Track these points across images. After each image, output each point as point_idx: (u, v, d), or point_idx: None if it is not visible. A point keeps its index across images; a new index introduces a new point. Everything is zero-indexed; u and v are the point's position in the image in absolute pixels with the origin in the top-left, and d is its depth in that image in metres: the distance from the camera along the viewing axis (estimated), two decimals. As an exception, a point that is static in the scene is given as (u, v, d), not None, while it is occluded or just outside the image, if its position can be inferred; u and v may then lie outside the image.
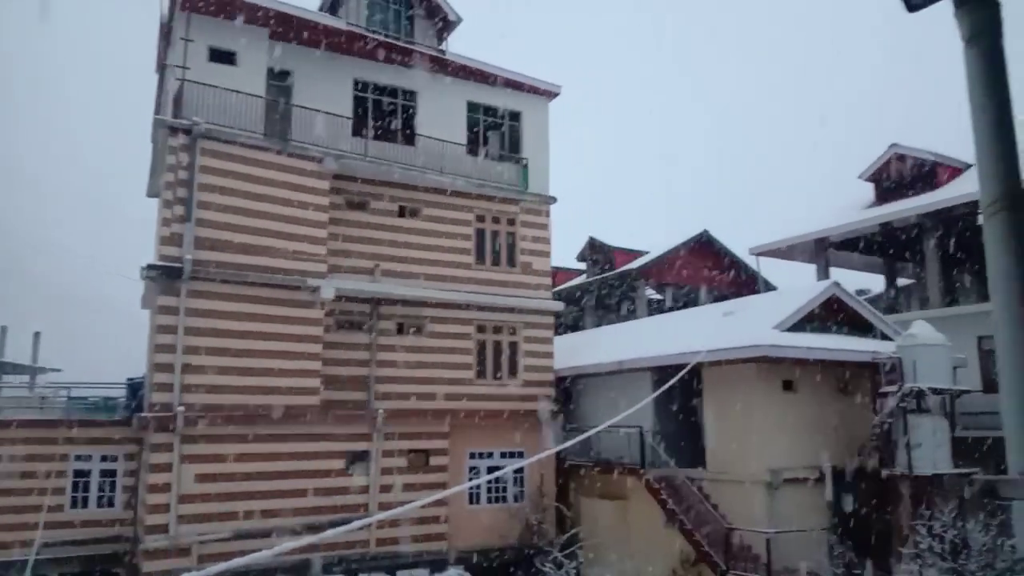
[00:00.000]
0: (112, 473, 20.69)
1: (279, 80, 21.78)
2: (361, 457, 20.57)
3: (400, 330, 21.99)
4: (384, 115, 23.55)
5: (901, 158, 29.05)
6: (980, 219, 3.23)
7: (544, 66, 27.80)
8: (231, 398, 18.73)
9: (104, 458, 20.67)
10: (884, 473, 18.78)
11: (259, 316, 19.29)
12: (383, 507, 19.90)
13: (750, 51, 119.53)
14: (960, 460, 18.75)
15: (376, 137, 22.91)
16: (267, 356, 19.23)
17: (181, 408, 18.03)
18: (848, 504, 19.02)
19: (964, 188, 24.68)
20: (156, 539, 17.63)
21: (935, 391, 18.34)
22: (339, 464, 20.21)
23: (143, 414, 18.61)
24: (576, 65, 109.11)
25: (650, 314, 35.75)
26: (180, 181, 18.96)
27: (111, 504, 20.56)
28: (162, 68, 22.72)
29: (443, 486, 20.63)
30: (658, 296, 41.16)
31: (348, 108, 22.47)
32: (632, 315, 36.92)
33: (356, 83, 22.87)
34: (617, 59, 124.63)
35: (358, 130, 22.63)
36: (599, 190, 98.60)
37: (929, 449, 17.96)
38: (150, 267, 18.53)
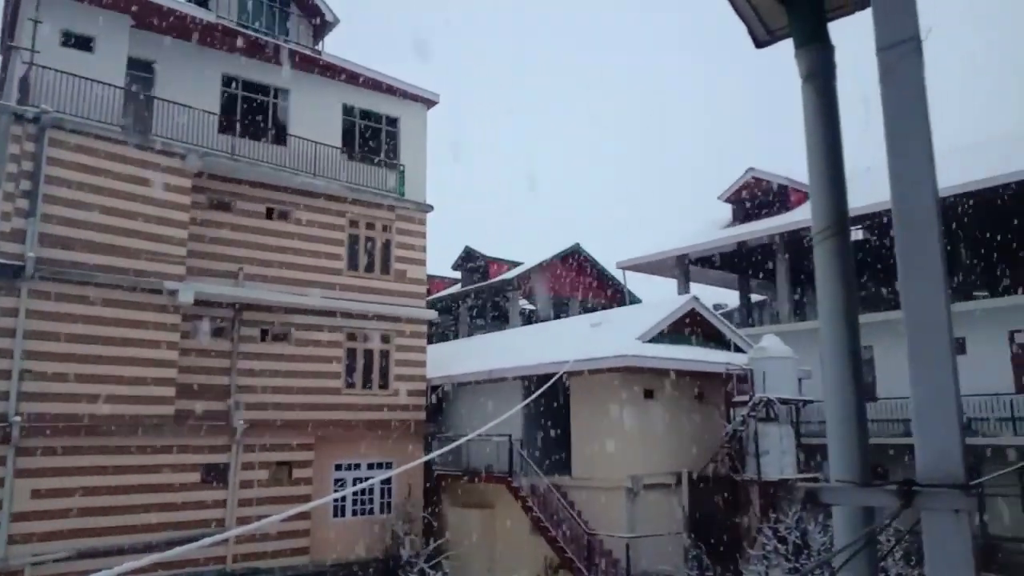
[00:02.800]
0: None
1: (141, 71, 20.57)
2: (219, 470, 19.67)
3: (264, 337, 21.21)
4: (254, 113, 22.74)
5: (757, 181, 31.01)
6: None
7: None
8: (76, 407, 17.42)
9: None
10: (735, 478, 19.89)
11: (110, 320, 18.08)
12: (242, 521, 19.08)
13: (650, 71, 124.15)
14: (805, 466, 20.12)
15: (245, 135, 22.08)
16: (118, 363, 18.04)
17: (18, 418, 16.59)
18: (702, 508, 19.98)
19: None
20: (-17, 562, 16.12)
21: (783, 401, 19.62)
22: (194, 477, 19.22)
23: (-28, 425, 17.00)
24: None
25: (523, 324, 36.31)
26: (24, 173, 17.52)
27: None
28: (7, 49, 20.95)
29: (307, 499, 20.04)
30: (531, 306, 41.87)
31: (215, 104, 21.53)
32: (505, 325, 37.37)
33: (225, 78, 21.96)
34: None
35: (226, 127, 21.73)
36: (480, 202, 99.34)
37: (776, 456, 19.18)
38: (-15, 264, 16.99)
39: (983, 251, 26.31)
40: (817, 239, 3.29)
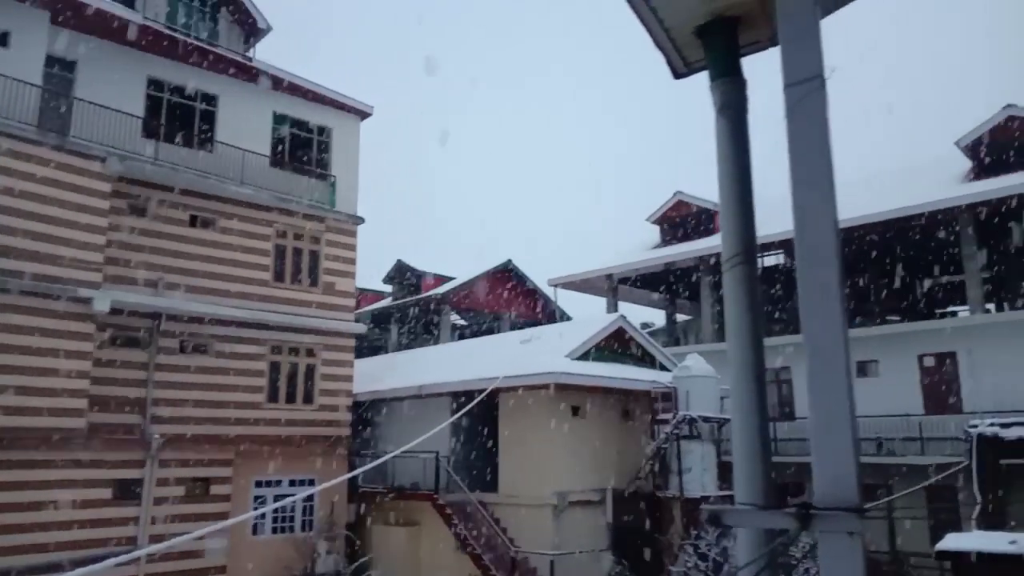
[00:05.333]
0: None
1: (61, 70, 19.80)
2: (132, 486, 18.89)
3: (184, 348, 20.53)
4: (181, 118, 22.10)
5: (683, 204, 31.80)
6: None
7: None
8: (-23, 419, 16.51)
9: None
10: (659, 495, 20.19)
11: (18, 328, 17.20)
12: (155, 540, 18.33)
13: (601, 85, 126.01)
14: (725, 483, 20.55)
15: (170, 140, 21.43)
16: (25, 373, 17.14)
17: (-90, 431, 15.63)
18: (626, 525, 20.19)
19: (736, 235, 27.39)
20: None
21: (705, 419, 20.03)
22: (105, 493, 18.41)
23: None
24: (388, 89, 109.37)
25: (454, 339, 36.17)
26: (-73, 171, 16.62)
27: None
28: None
29: (225, 516, 19.42)
30: (462, 321, 41.77)
31: (139, 107, 20.86)
32: (436, 339, 37.16)
33: (151, 81, 21.31)
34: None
35: (150, 131, 21.07)
36: (413, 216, 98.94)
37: (698, 473, 19.56)
38: None
39: (896, 278, 27.54)
40: (726, 266, 3.39)
